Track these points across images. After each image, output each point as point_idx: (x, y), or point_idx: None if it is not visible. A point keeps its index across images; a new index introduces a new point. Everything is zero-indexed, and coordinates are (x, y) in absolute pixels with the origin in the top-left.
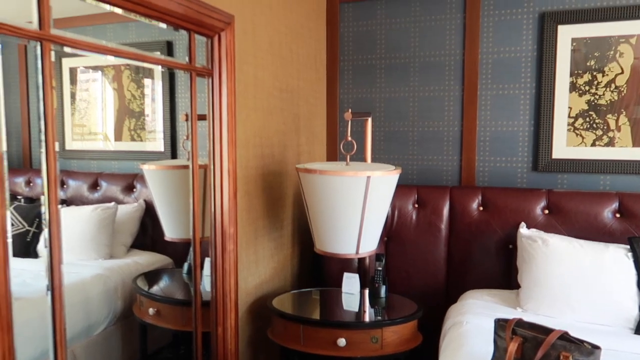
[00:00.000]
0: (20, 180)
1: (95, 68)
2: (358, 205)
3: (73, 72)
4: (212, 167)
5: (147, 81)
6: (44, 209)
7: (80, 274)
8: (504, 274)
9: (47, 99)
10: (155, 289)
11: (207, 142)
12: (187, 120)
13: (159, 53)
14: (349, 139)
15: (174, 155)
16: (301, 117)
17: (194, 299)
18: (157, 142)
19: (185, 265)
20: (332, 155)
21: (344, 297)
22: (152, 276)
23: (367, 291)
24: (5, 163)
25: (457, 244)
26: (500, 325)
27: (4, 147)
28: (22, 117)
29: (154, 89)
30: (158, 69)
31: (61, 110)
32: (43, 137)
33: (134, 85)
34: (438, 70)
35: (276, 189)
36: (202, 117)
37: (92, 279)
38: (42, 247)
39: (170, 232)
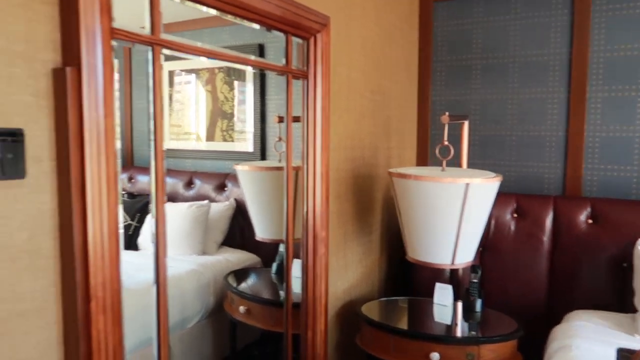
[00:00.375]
0: (124, 177)
1: (190, 71)
2: (455, 214)
3: (171, 75)
4: (305, 169)
5: (238, 84)
6: (152, 206)
7: (177, 268)
8: (616, 295)
9: (156, 101)
10: (245, 287)
11: (301, 144)
12: (279, 122)
13: (252, 57)
14: (446, 143)
15: (263, 157)
16: (392, 119)
17: (286, 301)
18: (247, 143)
19: (274, 265)
20: (422, 159)
21: (436, 309)
22: (242, 274)
23: (460, 304)
24: (119, 161)
25: (562, 259)
26: (624, 356)
27: (118, 145)
28: (125, 117)
29: (245, 92)
30: (249, 72)
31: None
32: (152, 138)
33: (226, 88)
34: (540, 71)
35: (366, 192)
36: (294, 119)
37: (187, 274)
38: (142, 241)
39: (261, 232)
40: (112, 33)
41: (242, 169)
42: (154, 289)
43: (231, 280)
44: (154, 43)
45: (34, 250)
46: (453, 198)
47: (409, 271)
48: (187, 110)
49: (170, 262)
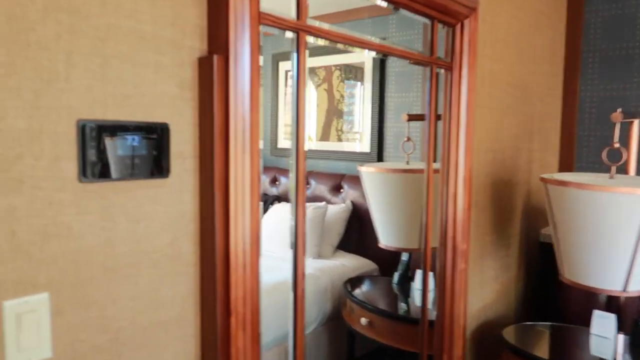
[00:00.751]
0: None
1: (308, 70)
2: (630, 231)
3: (288, 75)
4: (444, 172)
5: (356, 81)
6: (291, 207)
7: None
8: None
9: (300, 94)
10: (366, 296)
11: (442, 144)
12: (408, 120)
13: (399, 46)
14: (617, 145)
15: (379, 158)
16: (534, 118)
17: (422, 319)
18: (363, 143)
19: (396, 275)
20: (566, 163)
21: (593, 340)
22: (361, 282)
23: (623, 337)
24: (261, 161)
25: None
26: None
27: (261, 145)
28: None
29: (363, 89)
30: (368, 70)
31: (276, 111)
32: (294, 133)
33: (342, 86)
34: None
35: (505, 200)
36: (416, 118)
37: (304, 278)
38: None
39: (386, 239)
40: (260, 18)
41: (366, 171)
42: (290, 296)
43: (350, 288)
44: (300, 29)
45: (175, 255)
46: (627, 212)
47: (553, 293)
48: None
49: (285, 264)
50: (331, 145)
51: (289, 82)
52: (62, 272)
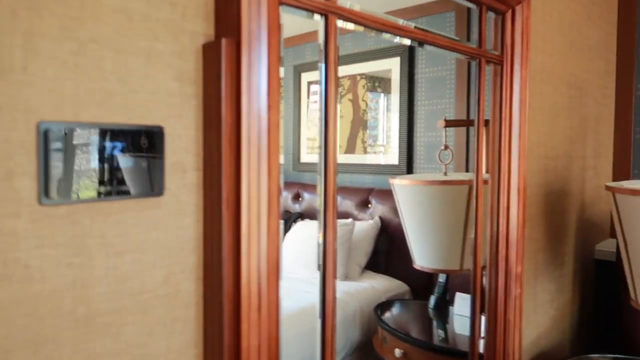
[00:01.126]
0: None
1: None
2: None
3: (310, 87)
4: (495, 183)
5: (382, 91)
6: (319, 226)
7: (316, 294)
8: None
9: (329, 91)
10: (399, 323)
11: (491, 151)
12: (445, 127)
13: (444, 34)
14: None
15: (409, 169)
16: (589, 120)
17: (471, 353)
18: (391, 155)
19: (432, 299)
20: (622, 171)
21: None
22: (392, 307)
23: None
24: (282, 175)
25: None
26: None
27: (282, 160)
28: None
29: (390, 98)
30: (395, 79)
31: (298, 124)
32: (323, 138)
33: (368, 96)
34: None
35: (558, 213)
36: (454, 124)
37: None
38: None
39: (423, 259)
40: None
41: (400, 184)
42: (318, 325)
43: (381, 314)
44: (329, 11)
45: (170, 297)
46: None
47: (616, 318)
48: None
49: (307, 287)
50: (357, 158)
51: (312, 94)
52: (17, 328)
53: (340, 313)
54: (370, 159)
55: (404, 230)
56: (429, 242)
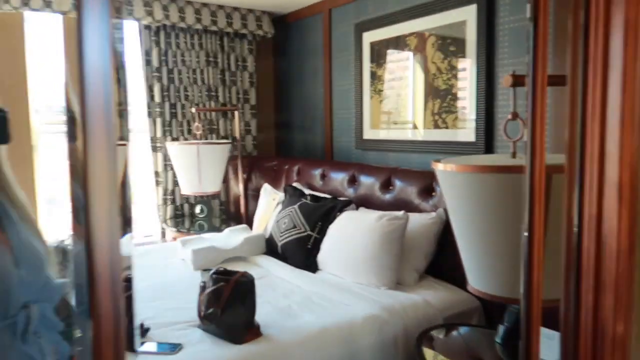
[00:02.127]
0: (316, 173)
1: (396, 41)
2: None
3: (374, 48)
4: (576, 171)
5: (455, 49)
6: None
7: (351, 310)
8: None
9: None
10: (451, 355)
11: (567, 124)
12: (512, 85)
13: None
14: None
15: (488, 148)
16: None
17: None
18: (467, 130)
19: (501, 329)
20: None
21: None
22: (450, 333)
23: None
24: None
25: None
26: None
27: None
28: (325, 99)
29: (465, 59)
30: (471, 29)
31: (360, 93)
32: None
33: (439, 56)
34: None
35: None
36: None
37: (363, 321)
38: (323, 258)
39: (478, 280)
40: None
41: (443, 169)
42: None
43: (432, 341)
44: None
45: None
46: None
47: None
48: (394, 90)
49: (344, 296)
50: (428, 134)
51: (378, 52)
52: None
53: (375, 337)
54: (441, 134)
55: (455, 237)
56: (486, 257)
